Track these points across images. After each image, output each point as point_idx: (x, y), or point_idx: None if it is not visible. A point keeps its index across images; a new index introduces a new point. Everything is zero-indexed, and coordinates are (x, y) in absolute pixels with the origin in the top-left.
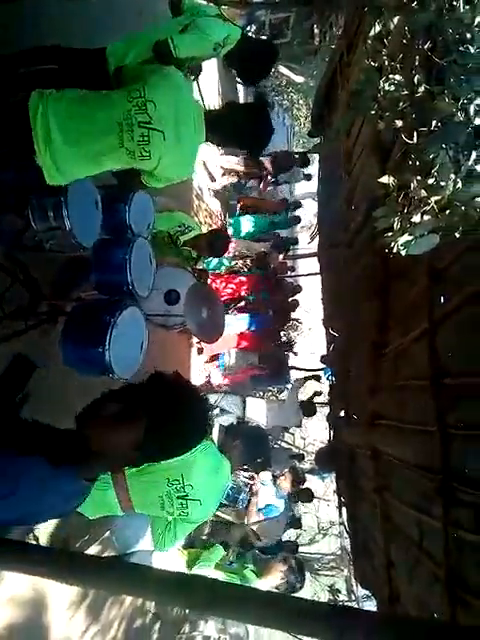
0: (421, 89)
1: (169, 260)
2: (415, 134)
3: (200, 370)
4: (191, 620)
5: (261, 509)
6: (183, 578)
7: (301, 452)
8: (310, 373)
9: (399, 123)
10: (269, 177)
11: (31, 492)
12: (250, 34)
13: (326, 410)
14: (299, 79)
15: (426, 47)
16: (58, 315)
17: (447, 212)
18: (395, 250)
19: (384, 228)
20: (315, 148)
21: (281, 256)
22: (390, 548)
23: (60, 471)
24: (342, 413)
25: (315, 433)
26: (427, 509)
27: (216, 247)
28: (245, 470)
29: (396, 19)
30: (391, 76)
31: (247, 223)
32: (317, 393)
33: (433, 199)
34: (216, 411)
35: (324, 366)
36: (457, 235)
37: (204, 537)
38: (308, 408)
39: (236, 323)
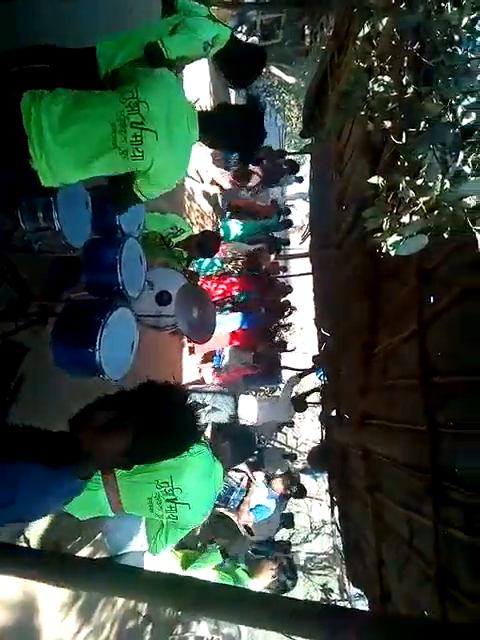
0: (410, 90)
1: (160, 261)
2: (404, 135)
3: (192, 370)
4: (183, 621)
5: (252, 509)
6: (173, 579)
7: (294, 452)
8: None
9: (388, 124)
10: (260, 185)
11: (31, 494)
12: (241, 34)
13: (319, 409)
14: (290, 80)
15: (414, 48)
16: (48, 316)
17: (435, 213)
18: (384, 250)
19: (374, 228)
20: (307, 148)
21: (273, 256)
22: (381, 546)
23: (58, 472)
24: (334, 412)
25: (308, 432)
26: (417, 508)
27: (206, 247)
28: (237, 471)
29: (385, 20)
30: (380, 77)
31: (236, 226)
32: (315, 389)
33: (421, 200)
34: (208, 408)
35: (316, 366)
36: (445, 236)
37: (198, 535)
38: (299, 404)
39: (228, 322)
